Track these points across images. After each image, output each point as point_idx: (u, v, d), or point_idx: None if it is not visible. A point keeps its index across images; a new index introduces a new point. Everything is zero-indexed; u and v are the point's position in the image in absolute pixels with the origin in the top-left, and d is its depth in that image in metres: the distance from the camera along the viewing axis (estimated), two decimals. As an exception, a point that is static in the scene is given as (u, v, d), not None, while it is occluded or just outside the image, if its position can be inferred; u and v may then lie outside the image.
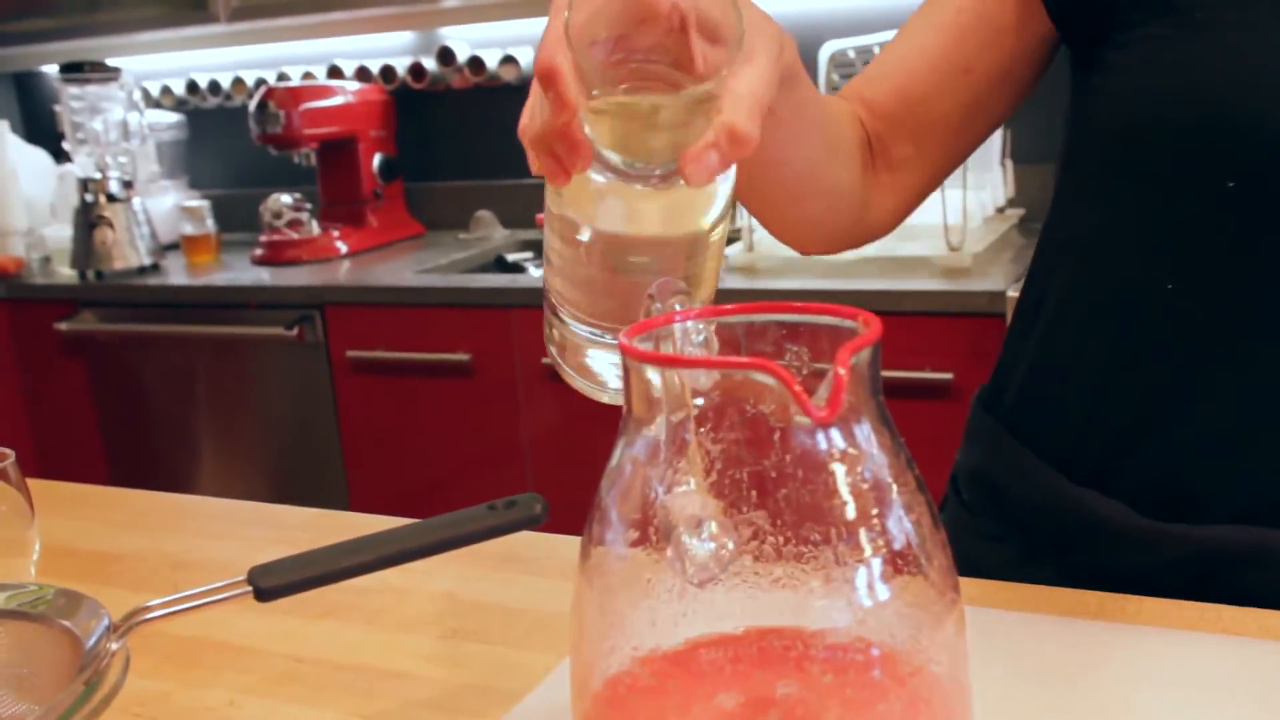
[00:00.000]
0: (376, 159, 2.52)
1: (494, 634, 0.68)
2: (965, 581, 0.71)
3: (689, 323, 0.46)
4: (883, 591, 0.40)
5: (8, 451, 0.64)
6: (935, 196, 1.82)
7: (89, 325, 2.38)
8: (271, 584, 0.50)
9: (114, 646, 0.48)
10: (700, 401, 0.41)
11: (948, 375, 1.67)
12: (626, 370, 0.43)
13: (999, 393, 0.82)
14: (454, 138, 2.66)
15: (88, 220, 2.42)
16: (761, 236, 1.93)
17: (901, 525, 0.41)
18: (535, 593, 0.73)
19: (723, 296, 1.64)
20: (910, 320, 1.69)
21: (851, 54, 2.17)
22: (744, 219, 1.95)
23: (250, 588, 0.50)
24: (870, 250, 1.83)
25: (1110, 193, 0.71)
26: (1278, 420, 0.67)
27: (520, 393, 2.01)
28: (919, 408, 1.68)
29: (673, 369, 0.41)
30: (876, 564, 0.41)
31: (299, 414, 2.24)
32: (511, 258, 2.40)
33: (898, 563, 0.41)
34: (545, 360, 1.96)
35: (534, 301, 1.97)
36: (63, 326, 2.38)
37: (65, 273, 2.50)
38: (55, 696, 0.46)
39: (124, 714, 0.61)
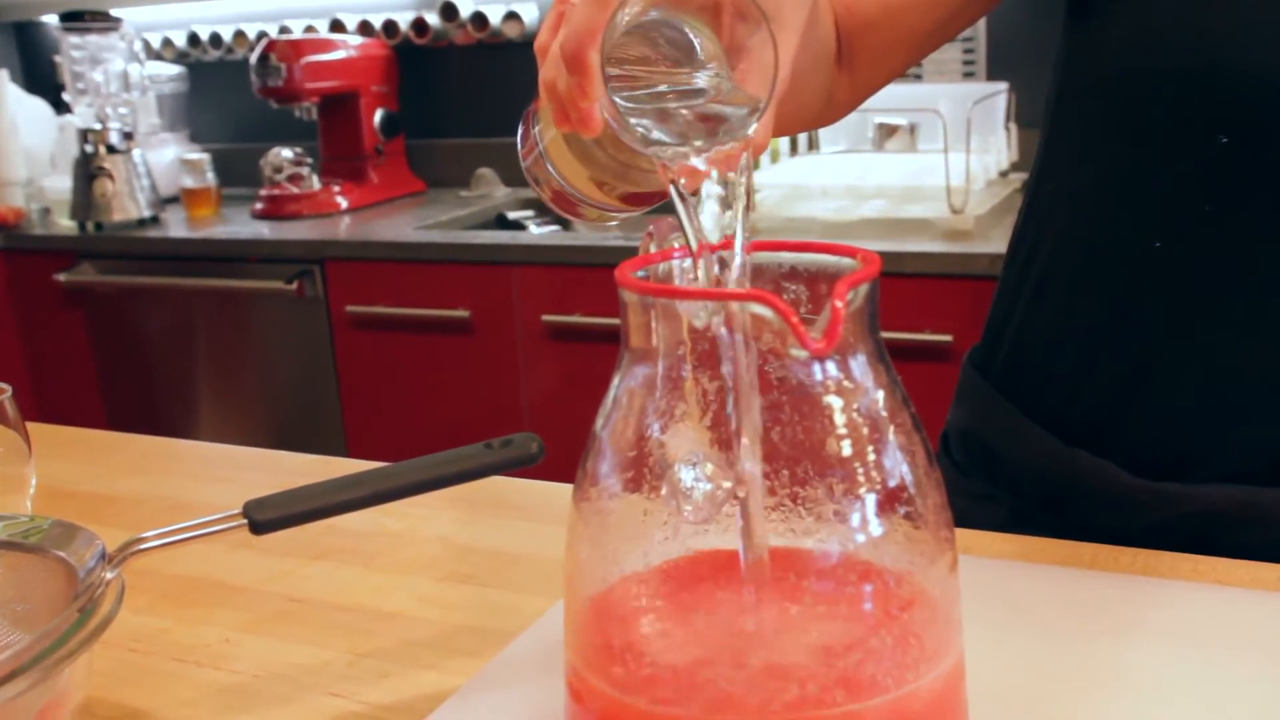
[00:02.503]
0: (378, 115, 2.50)
1: (489, 577, 0.68)
2: (960, 531, 0.72)
3: (687, 261, 0.46)
4: (876, 526, 0.40)
5: (4, 386, 0.64)
6: (938, 159, 1.81)
7: (88, 277, 2.38)
8: (266, 517, 0.50)
9: (109, 575, 0.49)
10: (700, 324, 0.40)
11: (948, 337, 1.66)
12: (624, 304, 0.43)
13: (990, 352, 0.81)
14: (456, 94, 2.64)
15: (87, 171, 2.41)
16: (764, 197, 1.92)
17: (897, 460, 0.41)
18: (531, 538, 0.73)
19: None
20: (912, 282, 1.69)
21: None
22: (746, 179, 1.94)
23: (245, 520, 0.50)
24: (872, 211, 1.83)
25: (1098, 146, 0.70)
26: (1269, 379, 0.67)
27: (519, 349, 2.01)
28: (919, 369, 1.68)
29: (670, 300, 0.41)
30: (871, 498, 0.41)
31: (298, 369, 2.24)
32: (513, 215, 2.39)
33: (892, 497, 0.41)
34: (545, 317, 1.96)
35: (534, 259, 1.97)
36: (62, 278, 2.37)
37: (65, 224, 2.49)
38: (49, 623, 0.47)
39: (121, 649, 0.62)
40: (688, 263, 0.46)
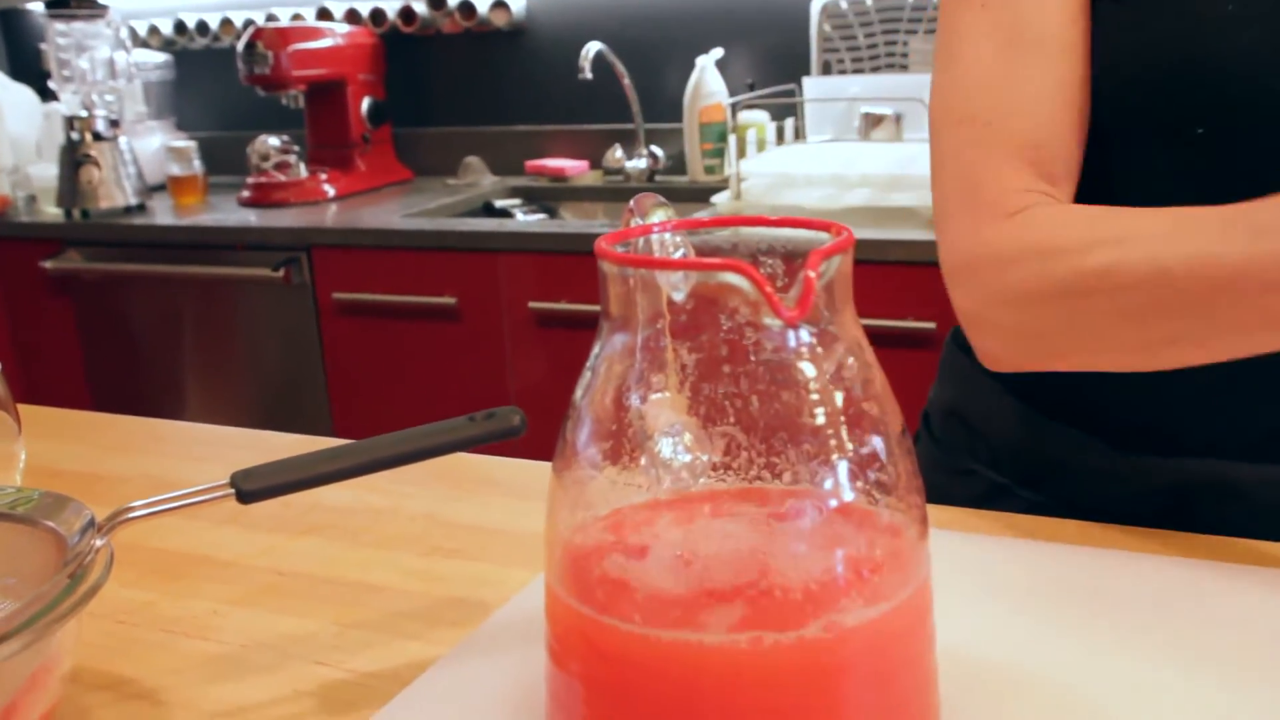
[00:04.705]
0: (365, 103, 2.50)
1: (473, 551, 0.69)
2: (940, 508, 0.73)
3: (667, 234, 0.47)
4: (847, 485, 0.41)
5: (-7, 362, 0.65)
6: (923, 149, 1.82)
7: (75, 264, 2.37)
8: (253, 486, 0.51)
9: (98, 543, 0.49)
10: (680, 295, 0.41)
11: (931, 324, 1.68)
12: (603, 276, 0.44)
13: None
14: (444, 83, 2.65)
15: (74, 159, 2.41)
16: (750, 185, 1.93)
17: (868, 427, 0.43)
18: (514, 514, 0.74)
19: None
20: (896, 269, 1.70)
21: (844, 4, 2.16)
22: (733, 167, 1.95)
23: (233, 490, 0.51)
24: (858, 200, 1.84)
25: (1133, 145, 0.70)
26: (1258, 362, 0.68)
27: (506, 336, 2.01)
28: (903, 355, 1.69)
29: (648, 271, 0.42)
30: (843, 464, 0.42)
31: (285, 355, 2.24)
32: (500, 204, 2.40)
33: (863, 460, 0.42)
34: (531, 304, 1.96)
35: (520, 246, 1.97)
36: (48, 265, 2.37)
37: (51, 211, 2.49)
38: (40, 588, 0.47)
39: (109, 621, 0.62)
40: (668, 237, 0.47)
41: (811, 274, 0.39)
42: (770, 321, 0.40)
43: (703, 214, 2.05)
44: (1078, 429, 0.74)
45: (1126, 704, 0.50)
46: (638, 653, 0.41)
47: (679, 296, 0.43)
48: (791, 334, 0.41)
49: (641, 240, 0.46)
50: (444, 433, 0.54)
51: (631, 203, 0.50)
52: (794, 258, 0.47)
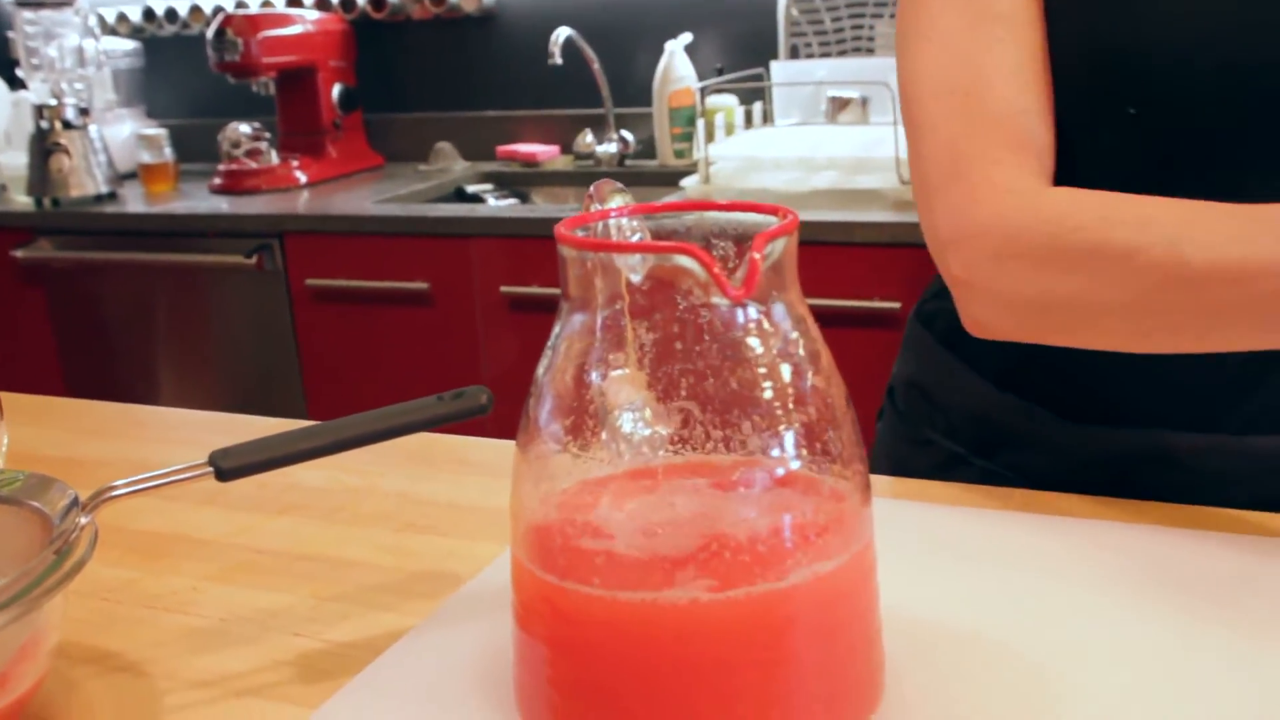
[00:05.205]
0: (336, 89, 2.51)
1: (444, 527, 0.71)
2: (896, 480, 0.76)
3: (624, 219, 0.49)
4: (794, 454, 0.44)
5: (-25, 349, 0.66)
6: (889, 131, 1.85)
7: (46, 253, 2.37)
8: (232, 464, 0.53)
9: (83, 521, 0.51)
10: (638, 277, 0.44)
11: (896, 304, 1.71)
12: (563, 260, 0.46)
13: (934, 307, 0.86)
14: (414, 69, 2.65)
15: (43, 147, 2.40)
16: (718, 169, 1.95)
17: (813, 398, 0.45)
18: (484, 492, 0.76)
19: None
20: (861, 250, 1.73)
21: (810, -12, 2.18)
22: (701, 151, 1.97)
23: (211, 468, 0.53)
24: (824, 182, 1.86)
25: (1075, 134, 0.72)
26: None
27: (478, 320, 2.03)
28: (869, 335, 1.72)
29: (605, 254, 0.44)
30: (789, 434, 0.44)
31: (258, 342, 2.25)
32: (471, 189, 2.41)
33: (809, 432, 0.45)
34: (503, 288, 1.98)
35: (492, 231, 1.99)
36: (19, 254, 2.37)
37: (21, 200, 2.49)
38: (27, 564, 0.49)
39: (93, 599, 0.64)
40: (625, 221, 0.50)
41: (756, 255, 0.41)
42: (719, 301, 0.43)
43: (672, 198, 2.08)
44: (1027, 400, 0.78)
45: (1062, 660, 0.52)
46: (598, 614, 0.43)
47: (636, 278, 0.46)
48: (740, 312, 0.43)
49: (600, 225, 0.49)
50: (414, 411, 0.56)
51: (591, 188, 0.53)
52: (744, 240, 0.49)
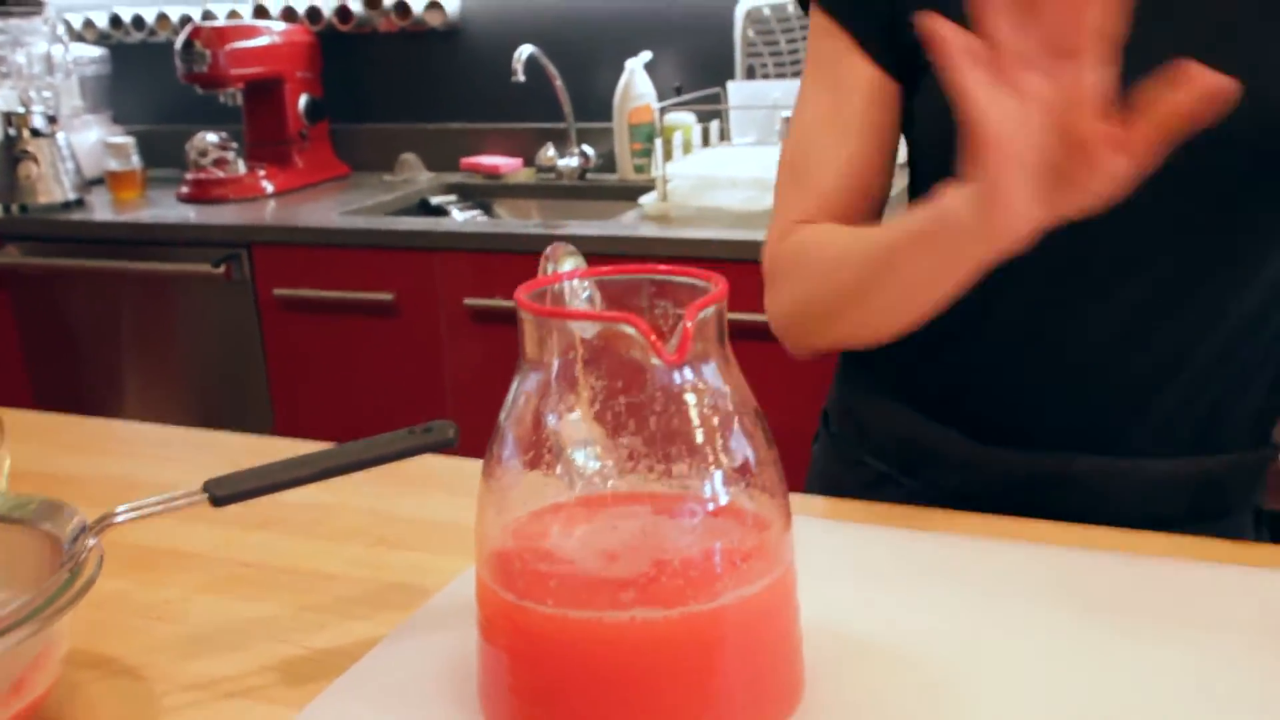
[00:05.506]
0: (302, 100, 2.56)
1: (413, 542, 0.78)
2: (824, 500, 0.84)
3: (575, 281, 0.56)
4: (724, 491, 0.51)
5: (-19, 380, 0.72)
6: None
7: (14, 260, 2.41)
8: (224, 493, 0.59)
9: (91, 543, 0.58)
10: (590, 334, 0.51)
11: (843, 321, 1.78)
12: (520, 320, 0.53)
13: None
14: (380, 80, 2.71)
15: (11, 155, 2.44)
16: (675, 186, 2.02)
17: (741, 443, 0.52)
18: (451, 508, 0.83)
19: (638, 243, 1.76)
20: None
21: (767, 11, 2.26)
22: (659, 169, 2.04)
23: (206, 495, 0.60)
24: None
25: (935, 184, 0.83)
26: (1094, 364, 0.79)
27: (442, 331, 2.09)
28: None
29: (558, 320, 0.51)
30: (719, 475, 0.51)
31: (226, 350, 2.30)
32: (435, 201, 2.47)
33: (737, 472, 0.52)
34: (466, 300, 2.05)
35: (455, 245, 2.05)
36: (-13, 260, 2.40)
37: (-12, 206, 2.52)
38: (39, 586, 0.56)
39: (91, 609, 0.69)
40: (577, 283, 0.56)
41: (689, 324, 0.48)
42: (656, 362, 0.49)
43: (631, 214, 2.14)
44: (947, 425, 0.85)
45: (964, 665, 0.60)
46: (552, 630, 0.50)
47: (587, 334, 0.52)
48: (675, 373, 0.50)
49: (554, 286, 0.56)
50: (389, 444, 0.63)
51: (548, 250, 0.60)
52: (681, 293, 0.56)
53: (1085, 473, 0.81)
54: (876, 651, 0.62)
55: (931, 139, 0.82)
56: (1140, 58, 0.64)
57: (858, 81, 0.82)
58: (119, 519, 0.59)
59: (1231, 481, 0.83)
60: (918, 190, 0.88)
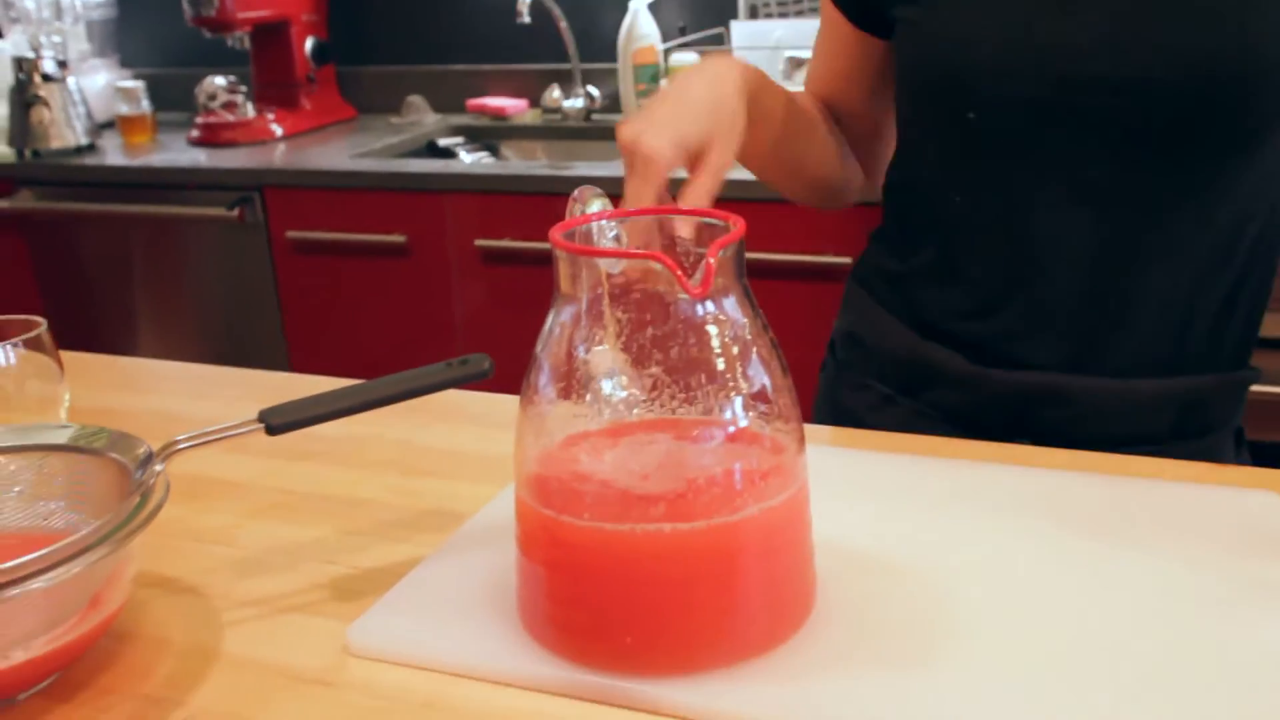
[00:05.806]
0: (309, 42, 2.58)
1: (445, 471, 0.83)
2: (830, 429, 0.88)
3: (604, 222, 0.61)
4: (743, 416, 0.56)
5: (39, 320, 0.77)
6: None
7: (28, 204, 2.44)
8: (279, 421, 0.64)
9: (158, 469, 0.62)
10: (616, 270, 0.55)
11: (847, 259, 1.82)
12: (555, 259, 0.57)
13: (867, 270, 0.99)
14: (385, 22, 2.72)
15: (23, 99, 2.46)
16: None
17: (759, 371, 0.57)
18: (478, 440, 0.88)
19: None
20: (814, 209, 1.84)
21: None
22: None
23: (262, 424, 0.64)
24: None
25: (909, 132, 0.94)
26: (1069, 298, 0.84)
27: (453, 272, 2.13)
28: (822, 289, 1.84)
29: (590, 258, 0.55)
30: (739, 400, 0.56)
31: (240, 292, 2.34)
32: (443, 143, 2.50)
33: (755, 398, 0.56)
34: (477, 241, 2.08)
35: (466, 186, 2.09)
36: (2, 205, 2.43)
37: (2, 150, 2.55)
38: (112, 510, 0.60)
39: (152, 533, 0.75)
40: (605, 223, 0.61)
41: (711, 260, 0.52)
42: (682, 295, 0.54)
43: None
44: (946, 347, 0.91)
45: (961, 578, 0.65)
46: (589, 542, 0.55)
47: (614, 270, 0.57)
48: (698, 305, 0.55)
49: (582, 227, 0.60)
50: (427, 376, 0.67)
51: (575, 193, 0.64)
52: (702, 231, 0.60)
53: (1076, 392, 0.86)
54: (881, 565, 0.67)
55: (902, 86, 0.92)
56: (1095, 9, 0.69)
57: (828, 21, 0.97)
58: (181, 447, 0.64)
59: (1215, 400, 0.88)
60: (906, 133, 0.95)
